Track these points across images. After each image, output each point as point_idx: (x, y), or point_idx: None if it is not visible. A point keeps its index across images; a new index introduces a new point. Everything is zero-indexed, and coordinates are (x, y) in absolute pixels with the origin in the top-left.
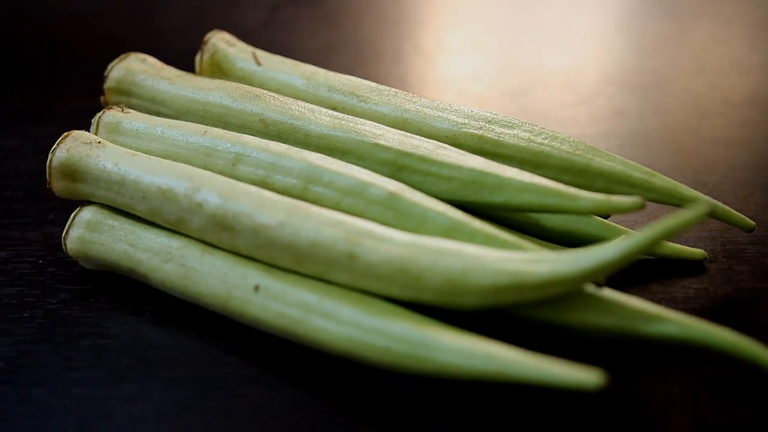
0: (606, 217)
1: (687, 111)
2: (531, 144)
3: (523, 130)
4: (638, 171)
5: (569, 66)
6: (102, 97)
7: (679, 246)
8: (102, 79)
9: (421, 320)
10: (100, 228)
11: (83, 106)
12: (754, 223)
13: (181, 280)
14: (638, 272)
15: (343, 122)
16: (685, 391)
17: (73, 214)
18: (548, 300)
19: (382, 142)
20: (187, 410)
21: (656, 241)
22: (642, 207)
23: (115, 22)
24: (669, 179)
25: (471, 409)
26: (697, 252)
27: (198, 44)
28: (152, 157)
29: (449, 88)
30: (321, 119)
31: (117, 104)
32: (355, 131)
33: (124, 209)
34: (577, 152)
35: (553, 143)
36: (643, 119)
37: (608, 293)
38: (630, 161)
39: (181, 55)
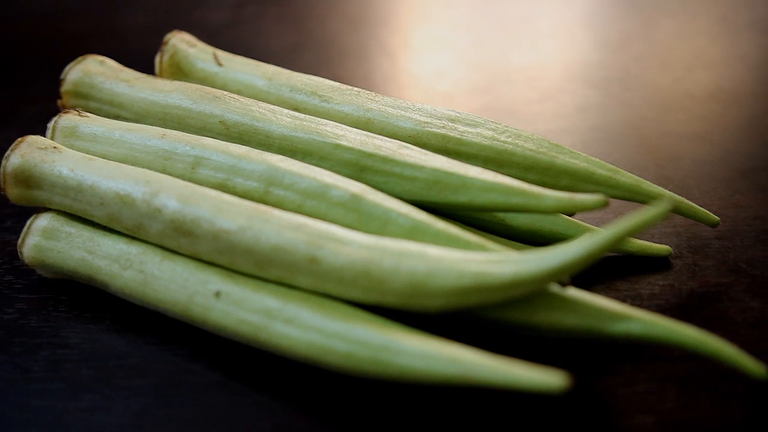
0: (571, 214)
1: (650, 106)
2: (494, 142)
3: (487, 128)
4: (602, 168)
5: (533, 62)
6: (59, 101)
7: (644, 242)
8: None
9: (384, 324)
10: (57, 235)
11: (46, 108)
12: (718, 218)
13: (140, 287)
14: (604, 269)
15: (305, 123)
16: (650, 389)
17: (28, 222)
18: (513, 301)
19: (343, 142)
20: (148, 420)
21: (620, 239)
22: (605, 204)
23: (77, 23)
24: (633, 176)
25: (434, 412)
26: (663, 248)
27: (155, 48)
28: (110, 161)
29: (414, 87)
30: (282, 120)
31: (74, 108)
32: (317, 132)
33: (81, 216)
34: (540, 150)
35: (517, 141)
36: (607, 114)
37: (573, 293)
38: (594, 158)
39: (145, 55)
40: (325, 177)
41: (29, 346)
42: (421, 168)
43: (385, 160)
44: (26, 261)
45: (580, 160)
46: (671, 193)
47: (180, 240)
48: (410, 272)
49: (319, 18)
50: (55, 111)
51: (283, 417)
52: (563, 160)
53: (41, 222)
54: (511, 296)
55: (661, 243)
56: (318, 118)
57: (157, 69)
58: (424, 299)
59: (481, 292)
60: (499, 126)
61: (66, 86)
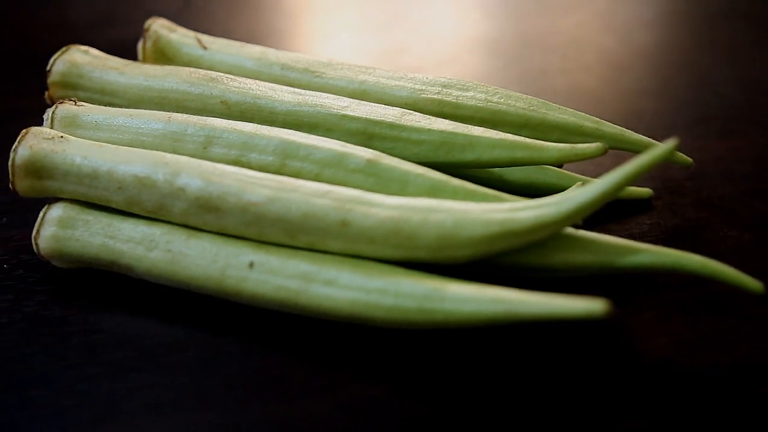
0: (560, 166)
1: (605, 66)
2: (488, 104)
3: (479, 91)
4: (588, 120)
5: (490, 33)
6: (46, 93)
7: (627, 187)
8: (31, 75)
9: (423, 275)
10: (73, 223)
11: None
12: (691, 159)
13: (169, 267)
14: (595, 214)
15: (307, 97)
16: (658, 316)
17: (42, 213)
18: (530, 245)
19: (349, 112)
20: (201, 390)
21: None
22: (605, 152)
23: (23, 17)
24: (617, 126)
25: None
26: (644, 191)
27: (116, 37)
28: (120, 146)
29: (380, 61)
30: (284, 96)
31: (61, 98)
32: (321, 105)
33: (96, 202)
34: (531, 108)
35: (509, 101)
36: (567, 76)
37: (585, 233)
38: (579, 112)
39: (106, 48)
40: (338, 146)
41: (60, 335)
42: (428, 131)
43: (392, 126)
44: (43, 253)
45: (568, 115)
46: (651, 140)
47: (206, 217)
48: (439, 225)
49: (274, 2)
50: (41, 103)
51: (329, 374)
52: (553, 115)
53: (55, 212)
54: (533, 240)
55: (641, 186)
56: (317, 92)
57: (140, 56)
58: (453, 250)
59: (507, 238)
60: (490, 88)
61: (53, 77)
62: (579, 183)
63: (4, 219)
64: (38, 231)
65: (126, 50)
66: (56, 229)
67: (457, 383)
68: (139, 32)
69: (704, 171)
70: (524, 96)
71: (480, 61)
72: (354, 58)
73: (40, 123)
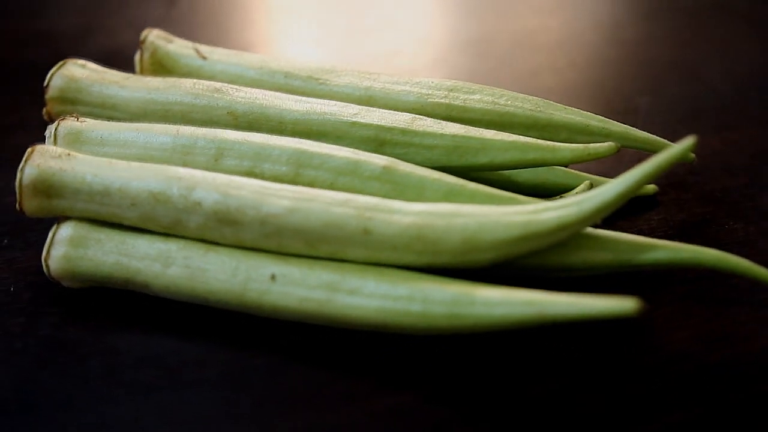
0: (566, 165)
1: (595, 64)
2: (496, 106)
3: (485, 94)
4: (594, 119)
5: (479, 33)
6: (44, 109)
7: None
8: (16, 89)
9: (447, 280)
10: (85, 242)
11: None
12: (694, 155)
13: (187, 282)
14: None
15: (315, 105)
16: (675, 311)
17: (51, 233)
18: (550, 246)
19: (359, 119)
20: (234, 407)
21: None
22: (617, 151)
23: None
24: (622, 125)
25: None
26: (650, 187)
27: (100, 48)
28: (131, 162)
29: (373, 65)
30: (292, 105)
31: (70, 114)
32: (330, 113)
33: (108, 220)
34: (538, 109)
35: (516, 103)
36: (558, 75)
37: (602, 232)
38: (584, 111)
39: (93, 60)
40: (352, 154)
41: (77, 357)
42: (441, 135)
43: (404, 131)
44: (54, 274)
45: (574, 114)
46: (657, 137)
47: (224, 230)
48: (462, 230)
49: (261, 9)
50: (30, 118)
51: (356, 383)
52: (560, 116)
53: (65, 231)
54: (555, 241)
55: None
56: (324, 100)
57: (137, 68)
58: (476, 254)
59: (530, 240)
60: (496, 90)
61: (51, 93)
62: (587, 182)
63: (5, 240)
64: (48, 252)
65: (113, 61)
66: (67, 248)
67: (483, 386)
68: (122, 42)
69: (704, 165)
70: (530, 97)
71: (471, 62)
72: (346, 64)
73: (32, 138)
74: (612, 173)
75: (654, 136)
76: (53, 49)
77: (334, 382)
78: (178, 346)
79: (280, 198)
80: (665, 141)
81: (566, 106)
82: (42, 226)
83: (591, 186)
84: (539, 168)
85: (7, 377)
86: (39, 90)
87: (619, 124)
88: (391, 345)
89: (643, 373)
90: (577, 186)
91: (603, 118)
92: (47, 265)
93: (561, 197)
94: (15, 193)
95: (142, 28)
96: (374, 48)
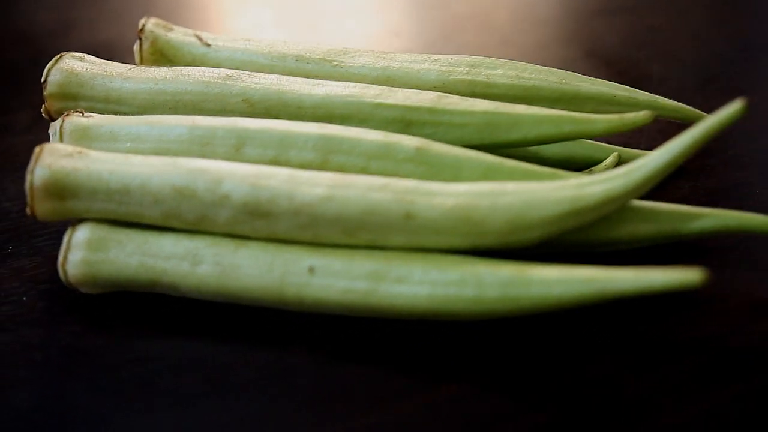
0: (593, 138)
1: (599, 34)
2: (521, 80)
3: (508, 68)
4: (620, 90)
5: (478, 8)
6: (43, 106)
7: None
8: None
9: (497, 262)
10: (105, 245)
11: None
12: None
13: (219, 281)
14: None
15: (335, 88)
16: (722, 278)
17: (66, 238)
18: (597, 220)
19: (383, 100)
20: (276, 408)
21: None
22: (652, 119)
23: None
24: (648, 93)
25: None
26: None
27: (86, 42)
28: (149, 156)
29: (374, 46)
30: (310, 89)
31: (60, 111)
32: (351, 95)
33: (127, 219)
34: (564, 81)
35: (540, 76)
36: (566, 47)
37: (645, 203)
38: (609, 82)
39: None
40: (382, 136)
41: (106, 368)
42: (471, 113)
43: (433, 111)
44: (72, 280)
45: (599, 85)
46: (683, 105)
47: (255, 223)
48: (508, 209)
49: None
50: (25, 120)
51: (404, 377)
52: (586, 87)
53: (82, 234)
54: (602, 215)
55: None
56: (342, 82)
57: (137, 58)
58: (523, 233)
59: (577, 215)
60: (518, 64)
61: (50, 89)
62: (615, 153)
63: (10, 248)
64: (65, 257)
65: (100, 56)
66: (86, 252)
67: (538, 368)
68: (107, 36)
69: (724, 130)
70: (553, 69)
71: (474, 39)
72: (346, 44)
73: (21, 139)
74: (633, 143)
75: (680, 104)
76: (33, 46)
77: (385, 376)
78: (213, 349)
79: (314, 186)
80: (692, 108)
81: (591, 78)
82: (48, 230)
83: (619, 158)
84: (567, 141)
85: (31, 393)
86: (24, 90)
87: (645, 93)
88: (437, 333)
89: (695, 346)
90: (605, 158)
91: (628, 87)
92: (65, 272)
93: (590, 171)
94: (13, 197)
95: (124, 20)
96: (372, 29)
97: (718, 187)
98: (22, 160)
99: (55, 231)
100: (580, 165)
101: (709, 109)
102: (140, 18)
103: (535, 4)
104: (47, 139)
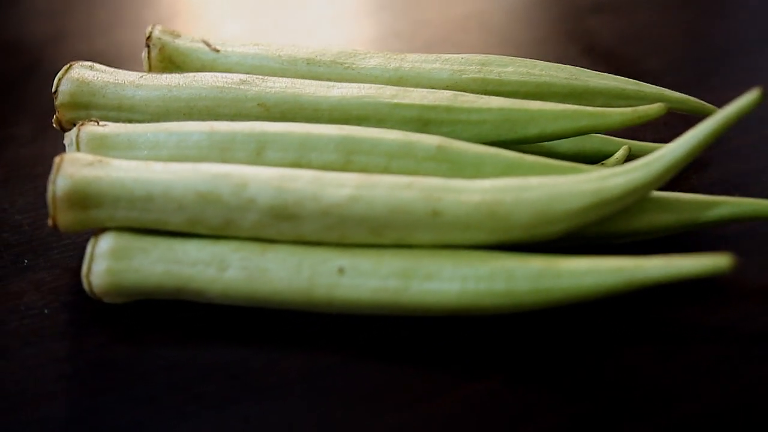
0: (603, 132)
1: (596, 32)
2: (532, 77)
3: (518, 65)
4: (629, 83)
5: (478, 9)
6: (54, 116)
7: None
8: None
9: (525, 256)
10: (129, 253)
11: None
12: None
13: (247, 285)
14: None
15: (350, 90)
16: (749, 264)
17: (89, 248)
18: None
19: (400, 100)
20: (313, 409)
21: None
22: (666, 111)
23: None
24: (655, 86)
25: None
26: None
27: (82, 51)
28: (170, 163)
29: (374, 48)
30: (325, 91)
31: (71, 121)
32: (367, 96)
33: (150, 227)
34: (573, 77)
35: (551, 72)
36: (565, 45)
37: (663, 193)
38: (617, 76)
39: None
40: (402, 135)
41: (138, 377)
42: (488, 110)
43: (450, 109)
44: (97, 290)
45: (608, 80)
46: (690, 97)
47: (281, 226)
48: (533, 203)
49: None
50: (28, 131)
51: (437, 374)
52: (595, 82)
53: (105, 244)
54: (624, 206)
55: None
56: (357, 84)
57: (145, 66)
58: (548, 226)
59: (601, 207)
60: (527, 61)
61: (61, 98)
62: (625, 146)
63: (26, 261)
64: (89, 267)
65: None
66: (110, 262)
67: (559, 362)
68: (101, 46)
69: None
70: (562, 65)
71: (474, 40)
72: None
73: (27, 151)
74: (640, 136)
75: (686, 96)
76: (28, 56)
77: (416, 373)
78: (243, 353)
79: (340, 187)
80: (697, 100)
81: (599, 72)
82: (63, 242)
83: (630, 150)
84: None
85: (63, 406)
86: (24, 101)
87: (651, 86)
88: (461, 329)
89: (711, 334)
90: (615, 151)
91: (636, 81)
92: (89, 282)
93: (602, 164)
94: (24, 210)
95: (118, 29)
96: (370, 32)
97: (724, 178)
98: (28, 172)
99: (70, 243)
100: (591, 159)
101: (714, 100)
102: (133, 27)
103: (530, 3)
104: (52, 149)
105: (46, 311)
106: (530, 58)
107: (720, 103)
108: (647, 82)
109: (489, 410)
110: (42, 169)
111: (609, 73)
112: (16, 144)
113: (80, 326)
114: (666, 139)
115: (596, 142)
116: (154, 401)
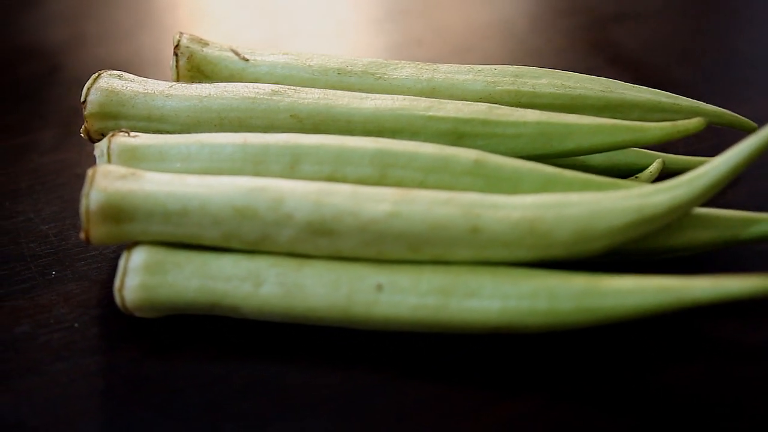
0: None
1: (622, 41)
2: (566, 89)
3: (552, 77)
4: (663, 96)
5: (501, 17)
6: (83, 127)
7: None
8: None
9: (569, 274)
10: (163, 268)
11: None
12: (755, 123)
13: (283, 301)
14: None
15: (383, 101)
16: None
17: (122, 262)
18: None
19: (435, 113)
20: (356, 428)
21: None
22: (704, 126)
23: None
24: (690, 99)
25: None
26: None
27: (102, 56)
28: (205, 176)
29: (397, 56)
30: (358, 103)
31: (99, 131)
32: (402, 108)
33: (184, 241)
34: (608, 89)
35: (585, 84)
36: (594, 53)
37: (704, 210)
38: (652, 89)
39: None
40: (438, 149)
41: (172, 393)
42: (524, 123)
43: (485, 122)
44: (130, 305)
45: (643, 92)
46: (725, 110)
47: (318, 241)
48: (575, 220)
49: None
50: (49, 139)
51: (476, 394)
52: (631, 95)
53: (138, 258)
54: (667, 223)
55: (705, 155)
56: (391, 95)
57: (173, 75)
58: (589, 244)
59: (643, 224)
60: (561, 73)
61: (90, 108)
62: (659, 159)
63: (53, 273)
64: (122, 282)
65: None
66: (144, 276)
67: (599, 381)
68: (121, 50)
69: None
70: (596, 77)
71: (498, 47)
72: (370, 55)
73: (48, 159)
74: (670, 148)
75: (722, 109)
76: (47, 63)
77: (455, 392)
78: (277, 370)
79: (379, 202)
80: (734, 114)
81: (634, 85)
82: (90, 253)
83: (663, 164)
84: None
85: (97, 422)
86: (44, 107)
87: (687, 99)
88: (506, 345)
89: (752, 352)
90: (647, 165)
91: (670, 94)
92: (122, 297)
93: (636, 177)
94: (49, 220)
95: (137, 35)
96: (393, 39)
97: (760, 192)
98: (52, 181)
99: (97, 254)
100: (624, 172)
101: (746, 111)
102: (154, 32)
103: (553, 11)
104: (75, 157)
105: (76, 325)
106: (555, 69)
107: (754, 115)
108: (677, 93)
109: (530, 429)
110: (66, 178)
111: (635, 83)
112: (39, 151)
113: (112, 340)
114: (698, 152)
115: (630, 155)
116: (191, 419)
